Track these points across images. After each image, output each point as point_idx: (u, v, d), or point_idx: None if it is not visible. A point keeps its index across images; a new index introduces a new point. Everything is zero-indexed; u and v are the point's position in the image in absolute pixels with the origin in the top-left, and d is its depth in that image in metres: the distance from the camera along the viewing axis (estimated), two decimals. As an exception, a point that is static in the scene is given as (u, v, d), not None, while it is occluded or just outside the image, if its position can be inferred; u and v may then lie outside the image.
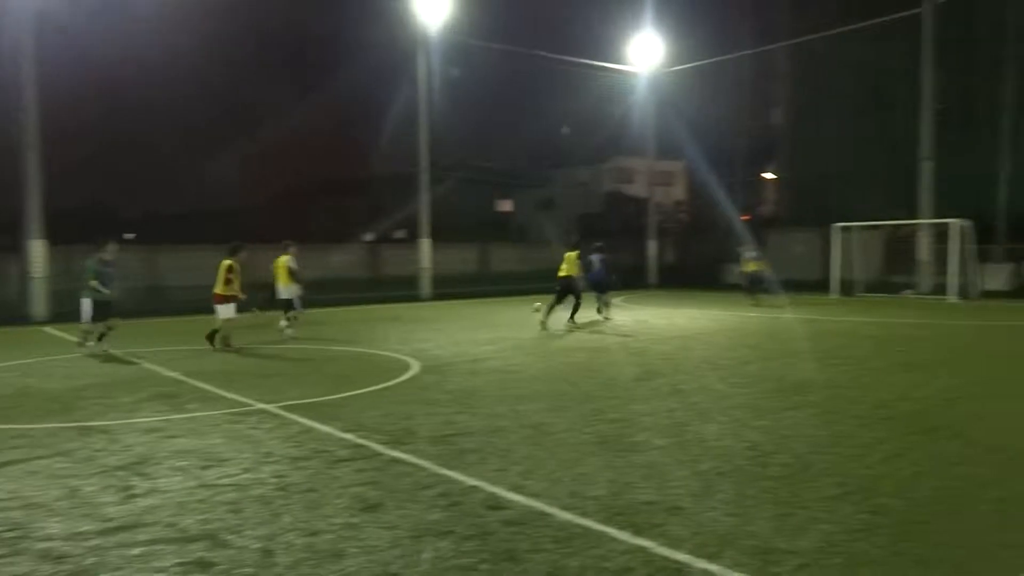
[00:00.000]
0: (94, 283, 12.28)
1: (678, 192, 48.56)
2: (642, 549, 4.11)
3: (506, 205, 59.19)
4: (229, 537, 4.38)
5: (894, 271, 28.02)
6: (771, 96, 39.52)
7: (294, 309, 14.63)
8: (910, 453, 5.94)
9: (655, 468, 5.60)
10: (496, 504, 4.86)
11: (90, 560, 4.09)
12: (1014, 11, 28.33)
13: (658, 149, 36.10)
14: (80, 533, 4.46)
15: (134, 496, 5.13)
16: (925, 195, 25.49)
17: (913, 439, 6.37)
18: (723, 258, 34.85)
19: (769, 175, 43.00)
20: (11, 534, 4.47)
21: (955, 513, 4.61)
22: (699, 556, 4.00)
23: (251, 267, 14.25)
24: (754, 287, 22.44)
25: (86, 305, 12.37)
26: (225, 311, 12.73)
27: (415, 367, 10.73)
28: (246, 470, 5.71)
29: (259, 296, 15.04)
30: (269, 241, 17.13)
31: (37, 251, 18.73)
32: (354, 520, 4.62)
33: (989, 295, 23.42)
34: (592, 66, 32.75)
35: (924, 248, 25.71)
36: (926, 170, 25.47)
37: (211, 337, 12.78)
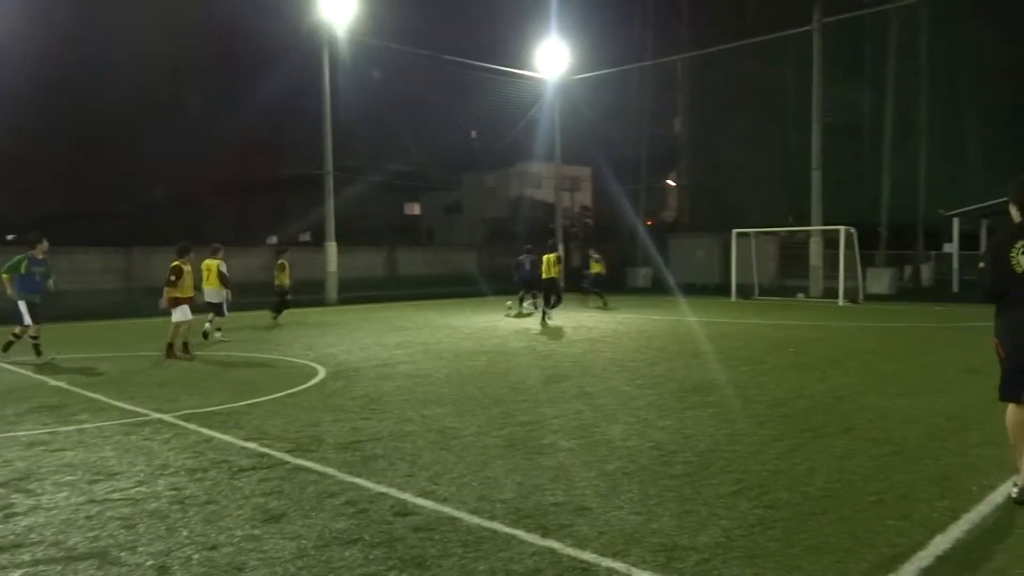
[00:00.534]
0: (6, 276, 11.50)
1: (584, 197, 49.40)
2: (550, 550, 4.14)
3: (414, 208, 58.87)
4: (121, 554, 4.16)
5: (788, 275, 29.38)
6: (674, 105, 40.67)
7: (222, 316, 14.53)
8: (803, 449, 6.22)
9: (563, 470, 5.67)
10: (404, 510, 4.81)
11: (-36, 585, 3.82)
12: (896, 31, 30.25)
13: (565, 155, 36.67)
14: (-47, 556, 4.15)
15: (15, 515, 4.81)
16: (816, 203, 26.82)
17: (806, 436, 6.68)
18: (629, 262, 35.72)
19: (672, 182, 44.25)
20: None
21: (843, 505, 4.85)
22: (605, 555, 4.07)
23: (144, 271, 13.69)
24: (596, 287, 23.62)
25: (22, 307, 11.55)
26: (178, 314, 12.16)
27: (321, 373, 10.51)
28: (140, 483, 5.44)
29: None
30: (158, 244, 16.48)
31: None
32: (256, 532, 4.47)
33: (873, 298, 24.83)
34: (500, 71, 33.03)
35: (816, 253, 27.05)
36: (816, 179, 26.81)
37: (169, 349, 12.15)
